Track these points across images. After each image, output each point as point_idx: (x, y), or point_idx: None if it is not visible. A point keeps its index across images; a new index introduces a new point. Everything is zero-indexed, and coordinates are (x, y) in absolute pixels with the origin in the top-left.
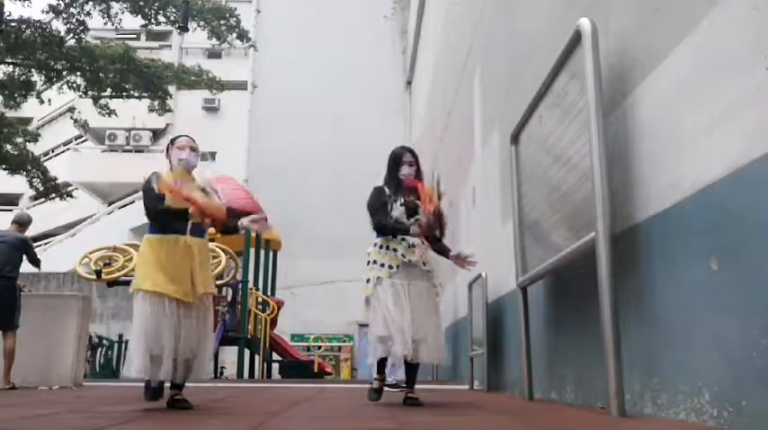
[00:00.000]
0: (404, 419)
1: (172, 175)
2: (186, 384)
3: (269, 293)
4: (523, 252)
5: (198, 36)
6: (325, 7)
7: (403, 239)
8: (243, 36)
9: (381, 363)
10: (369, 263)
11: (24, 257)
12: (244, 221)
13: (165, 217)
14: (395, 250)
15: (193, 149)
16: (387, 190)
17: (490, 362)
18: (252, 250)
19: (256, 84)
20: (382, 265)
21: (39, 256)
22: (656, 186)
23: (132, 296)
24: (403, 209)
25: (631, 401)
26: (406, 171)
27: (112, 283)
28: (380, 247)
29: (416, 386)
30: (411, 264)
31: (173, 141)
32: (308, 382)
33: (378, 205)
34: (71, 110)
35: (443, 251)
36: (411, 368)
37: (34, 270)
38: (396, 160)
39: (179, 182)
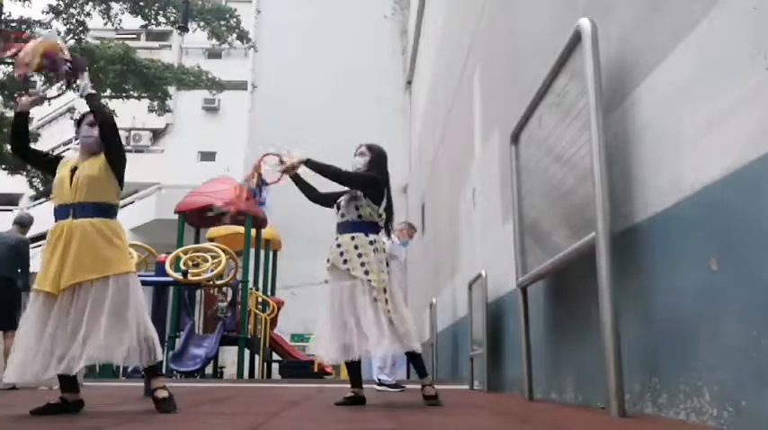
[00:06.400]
0: (404, 419)
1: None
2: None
3: (269, 293)
4: (523, 252)
5: (198, 36)
6: (325, 7)
7: (335, 241)
8: (243, 37)
9: (348, 368)
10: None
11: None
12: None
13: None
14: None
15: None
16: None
17: (490, 362)
18: (252, 250)
19: (256, 84)
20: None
21: (29, 266)
22: (656, 186)
23: None
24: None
25: (631, 401)
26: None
27: None
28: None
29: (418, 386)
30: (333, 266)
31: (83, 117)
32: (308, 382)
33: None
34: (71, 110)
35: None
36: (411, 359)
37: (34, 270)
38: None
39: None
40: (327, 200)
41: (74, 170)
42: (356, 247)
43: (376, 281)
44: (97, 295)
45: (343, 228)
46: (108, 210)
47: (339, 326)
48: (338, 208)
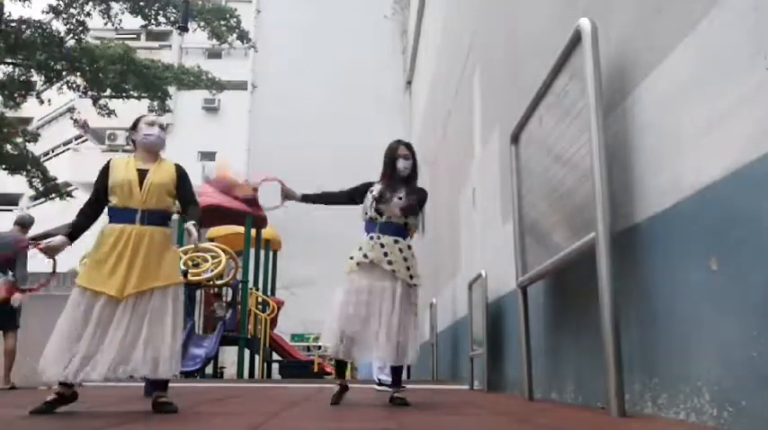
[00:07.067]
0: (404, 419)
1: (136, 158)
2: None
3: (269, 293)
4: (523, 252)
5: (198, 36)
6: (325, 7)
7: (371, 238)
8: (243, 37)
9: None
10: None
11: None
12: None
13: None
14: (360, 248)
15: (162, 128)
16: (376, 184)
17: (490, 362)
18: (252, 250)
19: (256, 84)
20: (351, 259)
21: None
22: (656, 186)
23: None
24: (372, 199)
25: (631, 401)
26: (401, 165)
27: None
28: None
29: (417, 386)
30: (372, 263)
31: (139, 119)
32: (308, 382)
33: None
34: (71, 110)
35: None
36: (394, 368)
37: (34, 270)
38: (391, 154)
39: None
40: (350, 197)
41: (140, 173)
42: (401, 250)
43: (417, 286)
44: (157, 304)
45: (386, 228)
46: (169, 219)
47: (367, 322)
48: (380, 206)
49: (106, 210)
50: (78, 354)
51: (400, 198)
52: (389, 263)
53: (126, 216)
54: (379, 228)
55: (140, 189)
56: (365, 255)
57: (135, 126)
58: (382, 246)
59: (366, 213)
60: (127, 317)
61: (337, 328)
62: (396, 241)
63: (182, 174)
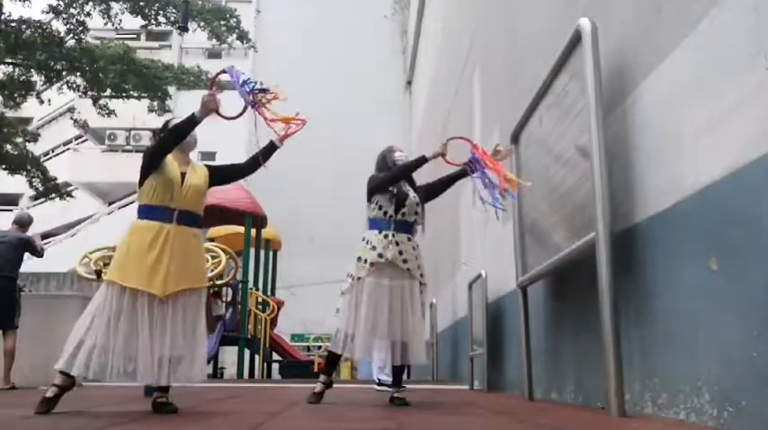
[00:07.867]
0: (404, 419)
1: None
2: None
3: (269, 293)
4: (523, 252)
5: (198, 36)
6: (325, 7)
7: (385, 236)
8: (243, 37)
9: (330, 360)
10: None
11: (26, 255)
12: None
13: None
14: (373, 247)
15: None
16: None
17: (490, 363)
18: (252, 250)
19: None
20: (365, 262)
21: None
22: (655, 186)
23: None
24: (391, 198)
25: (631, 401)
26: (399, 155)
27: None
28: (366, 243)
29: (417, 386)
30: (388, 262)
31: (168, 122)
32: (307, 382)
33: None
34: (71, 110)
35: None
36: (396, 368)
37: (34, 270)
38: (387, 152)
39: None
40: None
41: (181, 174)
42: (413, 249)
43: (425, 285)
44: (192, 305)
45: (400, 227)
46: (201, 220)
47: (381, 321)
48: (400, 204)
49: (137, 207)
50: (116, 352)
51: (413, 193)
52: (404, 261)
53: (163, 214)
54: (395, 226)
55: (181, 190)
56: (380, 255)
57: (164, 129)
58: (397, 244)
59: (381, 208)
60: (169, 317)
61: (355, 331)
62: (408, 239)
63: (210, 166)
